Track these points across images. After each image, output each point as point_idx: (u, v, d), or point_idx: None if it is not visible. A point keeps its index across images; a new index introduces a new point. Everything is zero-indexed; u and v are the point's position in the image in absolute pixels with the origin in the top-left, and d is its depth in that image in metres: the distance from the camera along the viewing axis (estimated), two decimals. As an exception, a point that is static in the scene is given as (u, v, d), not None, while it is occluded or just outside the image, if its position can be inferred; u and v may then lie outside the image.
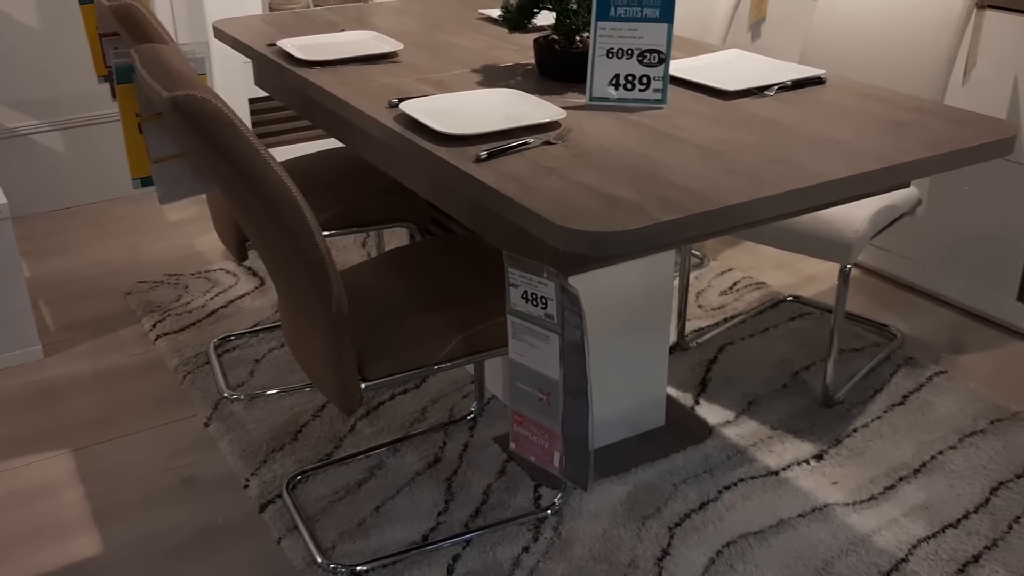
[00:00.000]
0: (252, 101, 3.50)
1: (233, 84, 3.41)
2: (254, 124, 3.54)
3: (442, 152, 1.56)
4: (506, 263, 1.45)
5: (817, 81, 1.92)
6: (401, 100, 1.80)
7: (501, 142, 1.59)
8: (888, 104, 1.79)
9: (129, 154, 1.74)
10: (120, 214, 3.52)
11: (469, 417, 2.29)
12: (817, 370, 2.47)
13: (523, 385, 1.51)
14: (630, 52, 1.75)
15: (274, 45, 2.26)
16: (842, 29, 2.39)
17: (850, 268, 2.19)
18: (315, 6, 3.64)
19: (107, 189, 3.64)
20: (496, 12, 2.58)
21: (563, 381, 1.44)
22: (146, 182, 1.80)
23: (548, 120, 1.66)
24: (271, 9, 3.58)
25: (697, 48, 2.23)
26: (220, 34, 2.47)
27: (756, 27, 2.63)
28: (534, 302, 1.43)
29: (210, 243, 3.26)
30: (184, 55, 1.53)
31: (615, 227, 1.28)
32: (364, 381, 1.62)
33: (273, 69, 2.17)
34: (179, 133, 1.55)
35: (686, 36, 2.72)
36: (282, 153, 3.61)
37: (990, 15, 2.47)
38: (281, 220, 1.44)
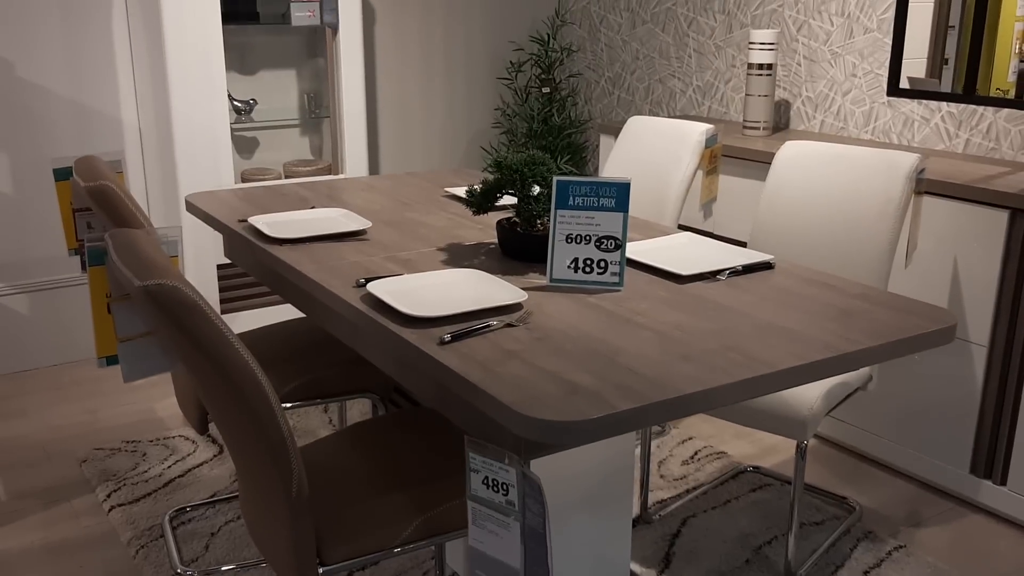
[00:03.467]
0: (220, 267, 3.55)
1: (203, 251, 3.48)
2: (222, 289, 3.58)
3: (407, 334, 1.60)
4: (467, 448, 1.47)
5: (766, 266, 2.01)
6: (368, 280, 1.85)
7: (465, 324, 1.63)
8: (834, 291, 1.88)
9: (96, 333, 1.77)
10: (80, 377, 3.50)
11: (428, 594, 2.24)
12: (779, 544, 2.46)
13: (481, 573, 1.50)
14: (588, 238, 1.83)
15: (245, 221, 2.33)
16: (788, 213, 2.52)
17: (806, 444, 2.22)
18: (286, 177, 3.76)
19: (68, 352, 3.63)
20: (461, 190, 2.69)
21: (524, 569, 1.44)
22: (111, 361, 1.82)
23: (510, 302, 1.71)
24: (243, 179, 3.69)
25: (651, 230, 2.34)
26: (192, 208, 2.54)
27: (707, 206, 2.76)
28: (495, 488, 1.44)
29: (170, 408, 3.24)
30: (157, 239, 1.58)
31: (574, 416, 1.32)
32: (322, 565, 1.60)
33: (244, 244, 2.23)
34: (149, 318, 1.59)
35: (641, 216, 2.84)
36: (249, 318, 3.64)
37: (928, 200, 2.62)
38: (244, 401, 1.45)
